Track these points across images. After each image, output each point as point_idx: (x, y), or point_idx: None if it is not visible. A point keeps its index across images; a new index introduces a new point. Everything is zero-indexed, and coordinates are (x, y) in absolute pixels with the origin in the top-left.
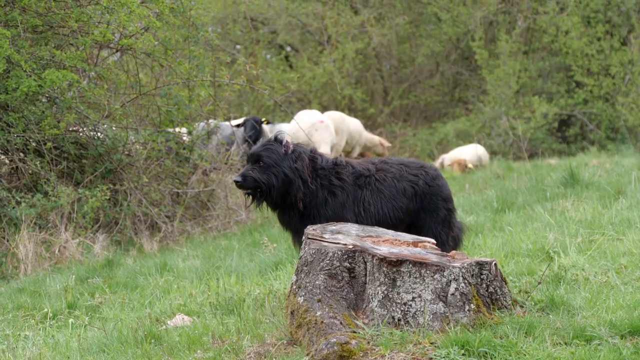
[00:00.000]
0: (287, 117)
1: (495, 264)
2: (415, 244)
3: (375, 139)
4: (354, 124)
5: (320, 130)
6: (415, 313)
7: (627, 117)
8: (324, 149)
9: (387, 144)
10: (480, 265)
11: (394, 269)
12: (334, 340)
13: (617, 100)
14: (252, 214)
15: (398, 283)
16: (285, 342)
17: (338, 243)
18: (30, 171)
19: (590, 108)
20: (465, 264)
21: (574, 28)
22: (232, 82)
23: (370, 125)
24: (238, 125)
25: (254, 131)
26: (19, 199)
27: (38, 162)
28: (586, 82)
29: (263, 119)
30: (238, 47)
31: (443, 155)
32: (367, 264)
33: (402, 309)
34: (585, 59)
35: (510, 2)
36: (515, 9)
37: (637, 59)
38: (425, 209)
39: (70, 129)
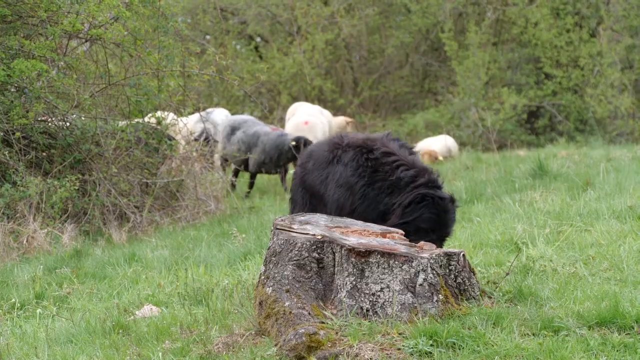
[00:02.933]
0: (257, 107)
1: (463, 255)
2: (384, 235)
3: (342, 121)
4: (328, 117)
5: (305, 134)
6: (383, 304)
7: (595, 109)
8: None
9: (349, 119)
10: (449, 256)
11: (363, 260)
12: (302, 330)
13: (585, 92)
14: (221, 204)
15: (366, 274)
16: (253, 332)
17: (307, 233)
18: None
19: (559, 100)
20: (433, 255)
21: (543, 20)
22: (202, 72)
23: (340, 115)
24: (293, 147)
25: None
26: None
27: (6, 152)
28: (555, 74)
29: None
30: (208, 37)
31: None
32: (336, 254)
33: (371, 299)
34: (554, 51)
35: None
36: (485, 1)
37: (605, 51)
38: None
39: (39, 119)
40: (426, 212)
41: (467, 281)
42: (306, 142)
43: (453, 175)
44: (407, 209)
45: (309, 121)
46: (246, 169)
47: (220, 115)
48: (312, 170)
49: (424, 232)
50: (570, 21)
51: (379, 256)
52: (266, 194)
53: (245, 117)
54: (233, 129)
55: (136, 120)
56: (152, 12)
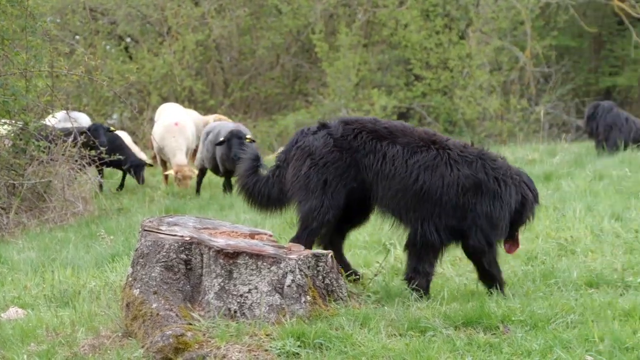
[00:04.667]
0: (126, 108)
1: (331, 256)
2: (252, 236)
3: (210, 120)
4: (196, 117)
5: (176, 135)
6: (251, 305)
7: (464, 110)
8: (180, 157)
9: (224, 117)
10: (317, 257)
11: (231, 261)
12: (170, 332)
13: (455, 94)
14: (90, 205)
15: (234, 275)
16: (120, 334)
17: (175, 235)
18: None
19: (429, 101)
20: (301, 256)
21: (413, 21)
22: (71, 72)
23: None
24: (220, 143)
25: (243, 151)
26: None
27: None
28: (425, 76)
29: (247, 136)
30: (77, 37)
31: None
32: (204, 256)
33: (239, 300)
34: (424, 53)
35: None
36: (356, 2)
37: (475, 53)
38: None
39: None
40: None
41: (335, 282)
42: (238, 135)
43: None
44: None
45: (179, 122)
46: (217, 171)
47: (85, 117)
48: (386, 158)
49: None
50: (440, 23)
51: (247, 257)
52: (135, 195)
53: (223, 123)
54: (207, 134)
55: (3, 120)
56: (20, 11)
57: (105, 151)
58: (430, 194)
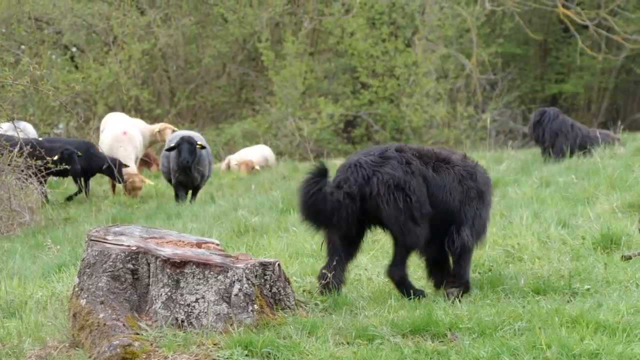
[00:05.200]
0: (72, 117)
1: (278, 265)
2: (199, 245)
3: (156, 129)
4: (142, 127)
5: (124, 144)
6: (198, 314)
7: (411, 118)
8: (130, 166)
9: (171, 126)
10: (264, 266)
11: (178, 271)
12: (117, 342)
13: (401, 101)
14: (36, 215)
15: (182, 284)
16: (67, 344)
17: (121, 244)
18: None
19: (376, 109)
20: (248, 265)
21: (359, 30)
22: (16, 82)
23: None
24: (171, 149)
25: (192, 157)
26: None
27: None
28: (371, 84)
29: (198, 143)
30: (23, 47)
31: (230, 156)
32: (151, 265)
33: (186, 310)
34: (371, 61)
35: (296, 3)
36: (302, 11)
37: (421, 61)
38: None
39: None
40: None
41: (282, 291)
42: (189, 141)
43: (270, 185)
44: None
45: (127, 131)
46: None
47: (30, 128)
48: (428, 183)
49: None
50: (386, 31)
51: (194, 267)
52: (82, 205)
53: (182, 132)
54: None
55: None
56: None
57: (83, 163)
58: (452, 211)
